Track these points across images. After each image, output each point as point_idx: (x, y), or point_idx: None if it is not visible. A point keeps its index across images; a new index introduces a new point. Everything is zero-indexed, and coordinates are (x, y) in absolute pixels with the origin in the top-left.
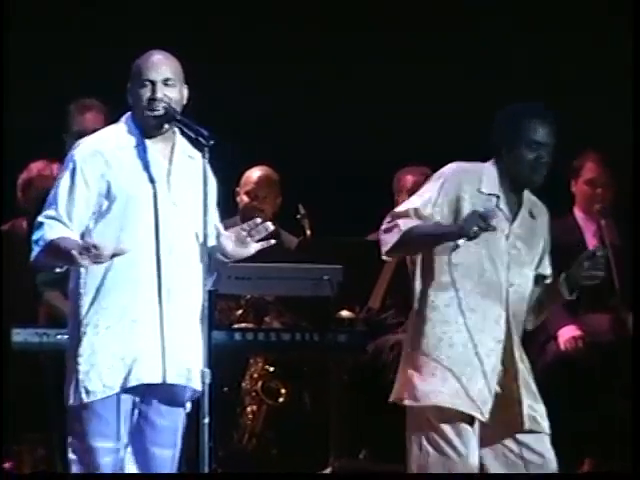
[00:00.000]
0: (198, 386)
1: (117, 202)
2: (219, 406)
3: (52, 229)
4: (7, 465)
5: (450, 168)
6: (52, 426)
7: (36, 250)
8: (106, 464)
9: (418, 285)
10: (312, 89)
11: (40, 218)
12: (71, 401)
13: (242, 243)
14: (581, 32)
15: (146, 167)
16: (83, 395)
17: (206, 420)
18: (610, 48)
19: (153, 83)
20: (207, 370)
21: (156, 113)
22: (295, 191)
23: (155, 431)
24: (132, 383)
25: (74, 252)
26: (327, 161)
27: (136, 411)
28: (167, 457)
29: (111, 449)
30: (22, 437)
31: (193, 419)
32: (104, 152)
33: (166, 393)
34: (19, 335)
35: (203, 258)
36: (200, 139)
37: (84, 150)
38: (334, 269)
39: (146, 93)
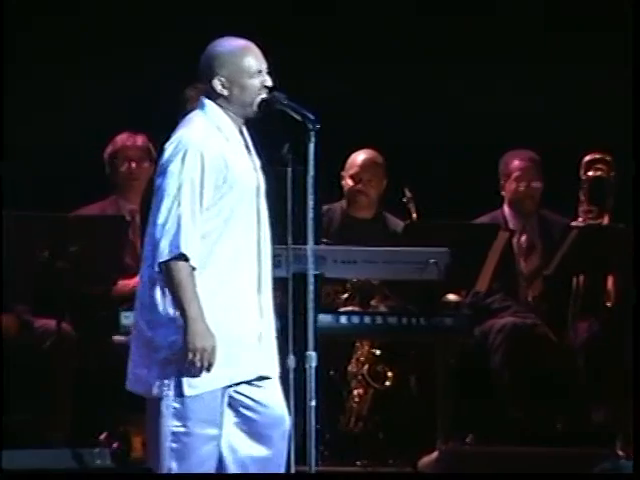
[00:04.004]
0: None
1: (231, 199)
2: (325, 389)
3: (197, 253)
4: (115, 445)
5: None
6: None
7: (175, 252)
8: (209, 451)
9: None
10: (419, 71)
11: (188, 225)
12: (169, 393)
13: None
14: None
15: (248, 156)
16: (186, 389)
17: (313, 403)
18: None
19: (260, 71)
20: (313, 353)
21: (261, 100)
22: (401, 174)
23: (259, 390)
24: (237, 379)
25: (197, 363)
26: (434, 144)
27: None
28: (279, 409)
29: (215, 436)
30: (129, 419)
31: (300, 402)
32: (220, 144)
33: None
34: (127, 318)
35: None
36: (306, 123)
37: (205, 146)
38: (440, 252)
39: (259, 80)
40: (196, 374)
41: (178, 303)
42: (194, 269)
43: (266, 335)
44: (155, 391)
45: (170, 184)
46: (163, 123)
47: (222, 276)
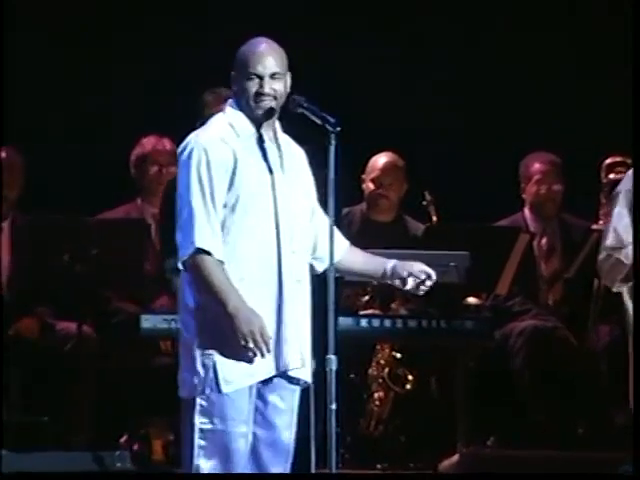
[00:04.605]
0: (308, 378)
1: (242, 194)
2: (346, 392)
3: (217, 244)
4: (136, 447)
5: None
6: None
7: (190, 249)
8: (239, 448)
9: None
10: (438, 74)
11: (201, 219)
12: (206, 391)
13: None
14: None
15: (264, 156)
16: (223, 386)
17: (333, 406)
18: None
19: (260, 77)
20: (333, 357)
21: (263, 105)
22: (421, 177)
23: (275, 413)
24: (265, 375)
25: (250, 343)
26: (454, 147)
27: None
28: (286, 438)
29: (243, 433)
30: (150, 422)
31: (320, 405)
32: (229, 141)
33: (284, 376)
34: (148, 321)
35: (310, 245)
36: (327, 126)
37: (211, 141)
38: (461, 255)
39: (253, 87)
40: (252, 360)
41: (214, 296)
42: (222, 262)
43: (289, 333)
44: (195, 392)
45: (181, 185)
46: (184, 126)
47: (242, 273)
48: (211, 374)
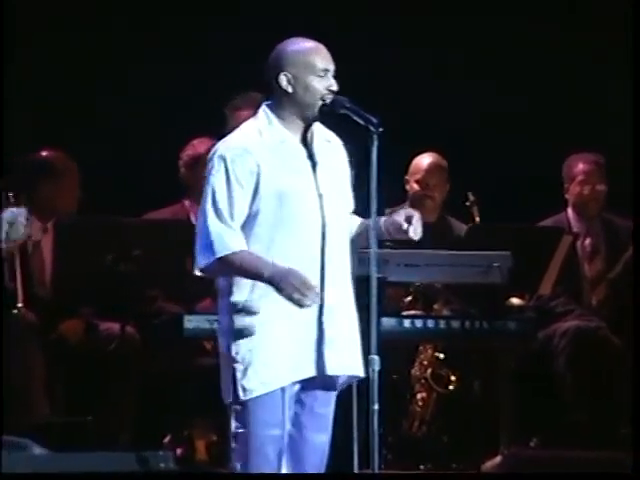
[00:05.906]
0: (360, 373)
1: (268, 201)
2: (389, 393)
3: (234, 240)
4: (179, 451)
5: None
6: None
7: (210, 258)
8: (270, 452)
9: None
10: (479, 74)
11: (214, 225)
12: (230, 398)
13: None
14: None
15: (293, 162)
16: (240, 393)
17: (376, 407)
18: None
19: (327, 73)
20: (376, 357)
21: (325, 102)
22: (464, 177)
23: (312, 417)
24: (290, 380)
25: (295, 296)
26: (496, 147)
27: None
28: (322, 442)
29: (275, 436)
30: (193, 422)
31: (363, 406)
32: (253, 150)
33: (323, 381)
34: (191, 322)
35: (349, 246)
36: (369, 126)
37: (233, 149)
38: (504, 256)
39: (325, 83)
40: (307, 304)
41: (251, 279)
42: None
43: (329, 336)
44: (225, 397)
45: (203, 191)
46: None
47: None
48: (231, 381)
